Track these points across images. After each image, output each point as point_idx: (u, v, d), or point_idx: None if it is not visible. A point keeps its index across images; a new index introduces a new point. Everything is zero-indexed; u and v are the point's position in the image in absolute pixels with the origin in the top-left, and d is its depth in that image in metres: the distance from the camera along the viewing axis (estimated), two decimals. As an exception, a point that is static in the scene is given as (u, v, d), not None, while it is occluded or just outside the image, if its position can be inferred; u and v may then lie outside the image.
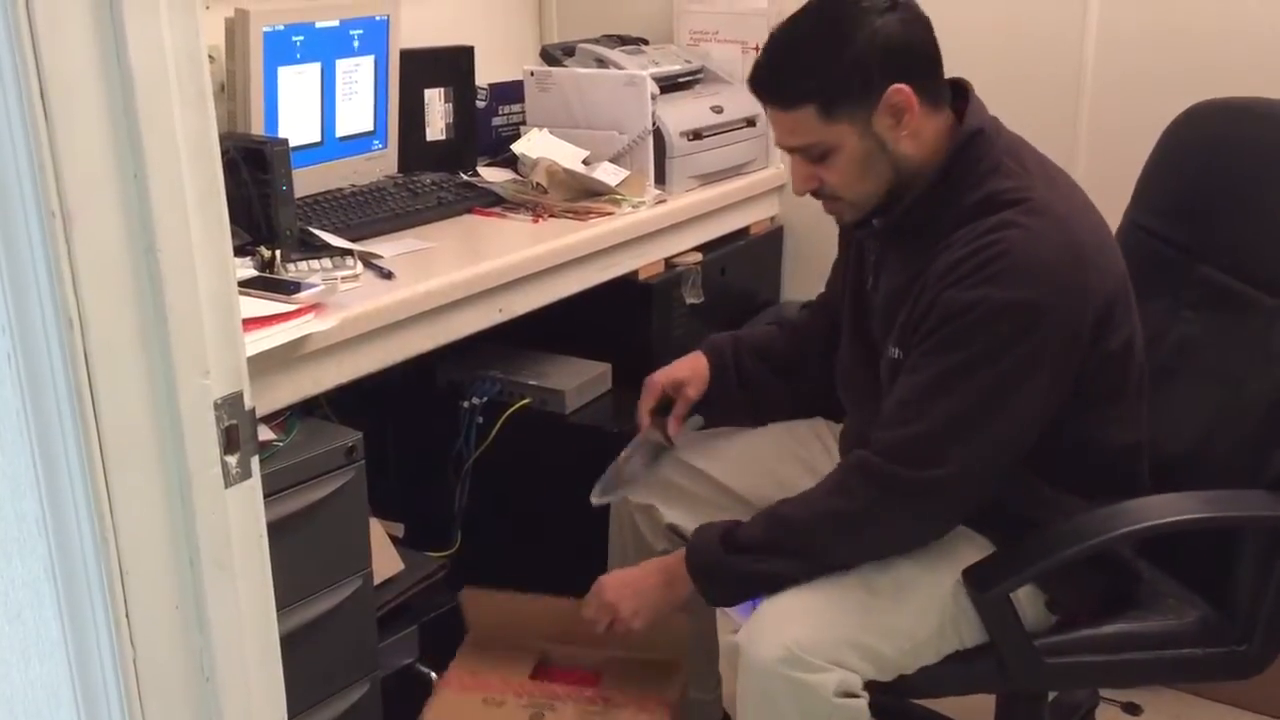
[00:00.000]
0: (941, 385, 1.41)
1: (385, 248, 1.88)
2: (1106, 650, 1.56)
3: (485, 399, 2.19)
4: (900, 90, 1.44)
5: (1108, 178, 2.21)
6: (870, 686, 1.46)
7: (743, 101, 2.35)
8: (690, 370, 1.82)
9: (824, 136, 1.47)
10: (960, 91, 1.53)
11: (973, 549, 1.52)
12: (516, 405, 2.18)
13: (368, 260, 1.80)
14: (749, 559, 1.50)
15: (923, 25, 1.47)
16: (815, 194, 1.55)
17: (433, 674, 1.95)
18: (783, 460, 1.82)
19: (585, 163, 2.24)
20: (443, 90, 2.33)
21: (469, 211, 2.15)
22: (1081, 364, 1.44)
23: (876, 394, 1.55)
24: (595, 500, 1.77)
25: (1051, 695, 1.77)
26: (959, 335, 1.41)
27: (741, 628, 1.49)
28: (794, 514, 1.50)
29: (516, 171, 2.30)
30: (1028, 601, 1.53)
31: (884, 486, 1.44)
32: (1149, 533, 1.53)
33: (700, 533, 1.57)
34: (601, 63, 2.40)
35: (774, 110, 1.50)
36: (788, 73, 1.48)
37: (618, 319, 2.27)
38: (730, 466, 1.82)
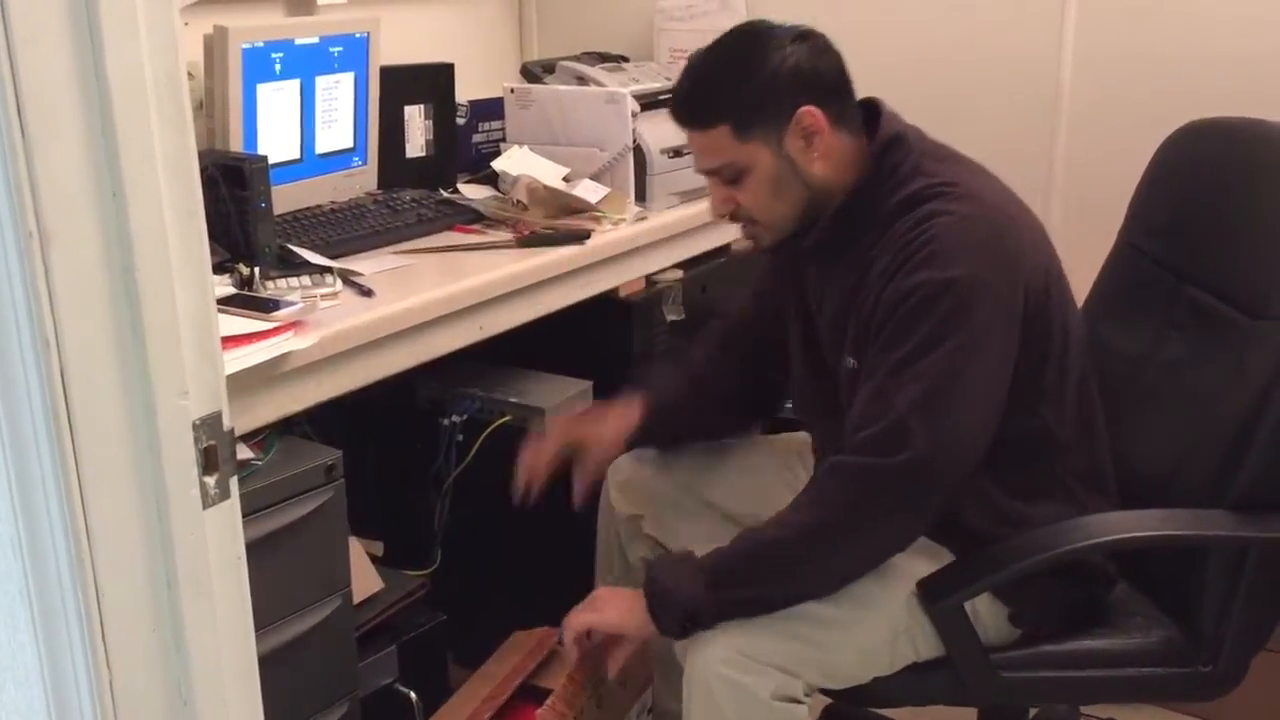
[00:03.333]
0: (897, 375, 1.42)
1: (365, 265, 1.87)
2: (1066, 666, 1.55)
3: (465, 417, 2.18)
4: (810, 112, 1.50)
5: (1085, 199, 2.23)
6: (826, 694, 1.47)
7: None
8: (598, 429, 1.83)
9: (738, 156, 1.53)
10: (873, 110, 1.57)
11: (931, 562, 1.52)
12: (497, 423, 2.17)
13: (347, 278, 1.79)
14: (732, 591, 1.46)
15: (831, 55, 1.54)
16: (733, 217, 1.60)
17: (412, 694, 1.94)
18: (769, 480, 1.81)
19: (566, 180, 2.24)
20: (423, 107, 2.33)
21: (449, 229, 2.14)
22: (1021, 338, 1.45)
23: (833, 409, 1.55)
24: None
25: (1032, 711, 1.77)
26: (904, 324, 1.43)
27: None
28: (776, 535, 1.47)
29: (497, 188, 2.30)
30: (989, 614, 1.53)
31: (861, 483, 1.43)
32: (1103, 548, 1.53)
33: (666, 571, 1.51)
34: (582, 80, 2.40)
35: (692, 133, 1.57)
36: (705, 94, 1.55)
37: (598, 336, 2.27)
38: (719, 483, 1.82)
